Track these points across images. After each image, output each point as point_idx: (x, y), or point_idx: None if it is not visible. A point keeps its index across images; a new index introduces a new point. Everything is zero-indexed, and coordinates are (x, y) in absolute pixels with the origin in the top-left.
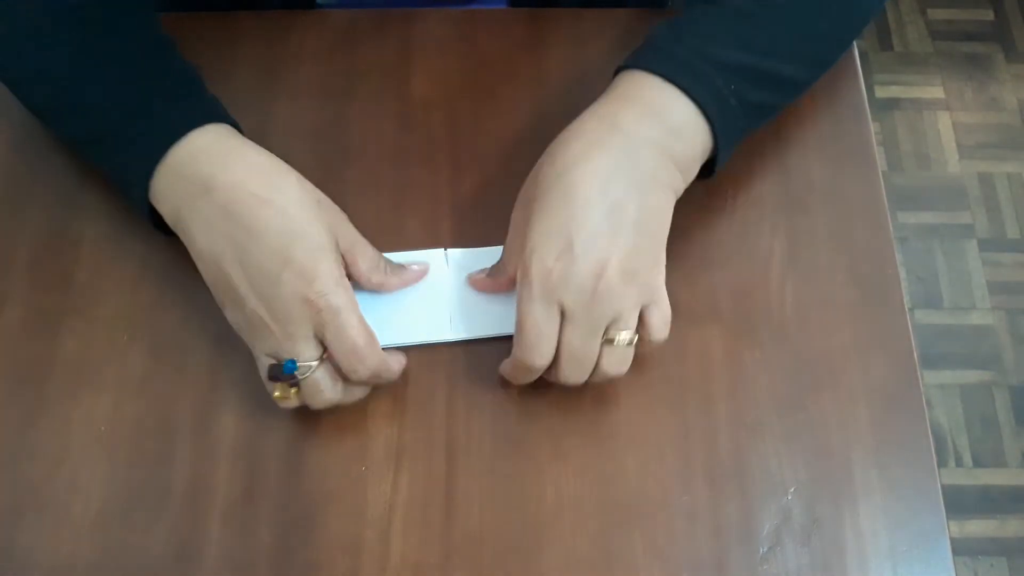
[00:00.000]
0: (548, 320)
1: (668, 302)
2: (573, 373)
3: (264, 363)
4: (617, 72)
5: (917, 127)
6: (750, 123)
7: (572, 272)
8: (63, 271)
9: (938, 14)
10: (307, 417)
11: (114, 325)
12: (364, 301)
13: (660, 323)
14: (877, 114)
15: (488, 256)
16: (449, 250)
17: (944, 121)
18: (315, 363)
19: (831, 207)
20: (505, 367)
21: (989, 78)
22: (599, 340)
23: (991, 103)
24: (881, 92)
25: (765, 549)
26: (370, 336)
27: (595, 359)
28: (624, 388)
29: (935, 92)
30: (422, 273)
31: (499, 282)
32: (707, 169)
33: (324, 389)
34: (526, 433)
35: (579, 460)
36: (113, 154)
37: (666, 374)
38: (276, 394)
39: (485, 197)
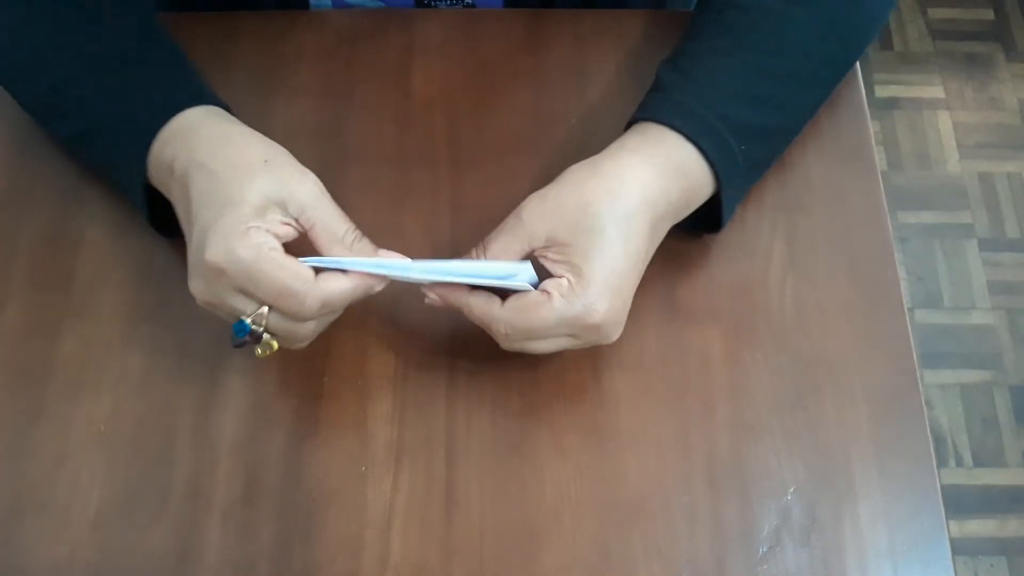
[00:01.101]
0: (554, 337)
1: None
2: (519, 346)
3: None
4: (637, 118)
5: (917, 127)
6: (750, 179)
7: (605, 323)
8: (63, 271)
9: (938, 13)
10: (307, 417)
11: (114, 325)
12: None
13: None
14: (877, 114)
15: (455, 266)
16: (416, 261)
17: (944, 121)
18: (263, 310)
19: (831, 207)
20: (459, 296)
21: (989, 78)
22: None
23: (991, 103)
24: (881, 92)
25: (765, 549)
26: (298, 272)
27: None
28: (624, 388)
29: (935, 92)
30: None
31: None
32: (713, 223)
33: (293, 328)
34: (526, 433)
35: (579, 460)
36: (104, 154)
37: (666, 374)
38: (257, 352)
39: (485, 197)
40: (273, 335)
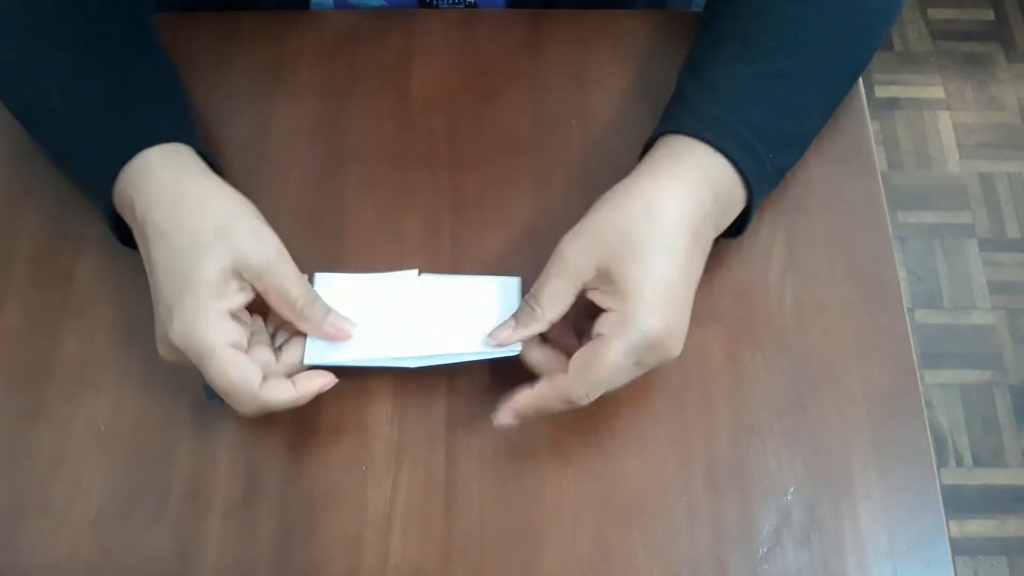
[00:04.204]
0: (625, 372)
1: None
2: (592, 392)
3: None
4: (663, 131)
5: (917, 127)
6: (774, 185)
7: (666, 339)
8: (63, 271)
9: (938, 14)
10: (307, 417)
11: (114, 325)
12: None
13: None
14: (877, 114)
15: (464, 284)
16: (424, 275)
17: (944, 121)
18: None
19: (830, 207)
20: (527, 400)
21: (989, 78)
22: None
23: (991, 103)
24: (881, 92)
25: (765, 549)
26: (244, 376)
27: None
28: (624, 388)
29: (935, 92)
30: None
31: (531, 330)
32: (734, 228)
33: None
34: (526, 433)
35: (579, 460)
36: (77, 174)
37: (666, 374)
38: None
39: (485, 197)
40: None
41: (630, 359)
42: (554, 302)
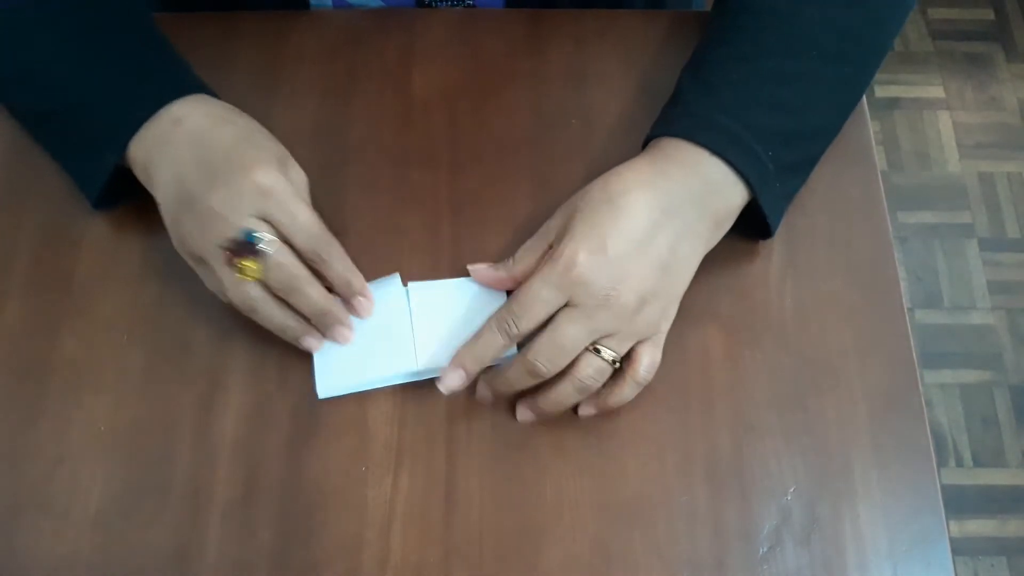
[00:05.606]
0: (549, 301)
1: (661, 352)
2: (548, 355)
3: (218, 255)
4: (654, 134)
5: (917, 127)
6: (790, 185)
7: (596, 273)
8: (63, 271)
9: (938, 13)
10: (307, 417)
11: (114, 325)
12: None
13: (648, 363)
14: (877, 114)
15: (452, 288)
16: (411, 283)
17: (944, 121)
18: (271, 236)
19: (831, 207)
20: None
21: (989, 78)
22: (586, 340)
23: (991, 103)
24: (881, 92)
25: (765, 549)
26: (320, 223)
27: (574, 355)
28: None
29: (935, 92)
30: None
31: (500, 278)
32: (763, 228)
33: (286, 262)
34: (526, 433)
35: (579, 460)
36: (87, 123)
37: (666, 374)
38: (243, 264)
39: (485, 197)
40: (260, 260)
41: (550, 285)
42: (524, 256)
